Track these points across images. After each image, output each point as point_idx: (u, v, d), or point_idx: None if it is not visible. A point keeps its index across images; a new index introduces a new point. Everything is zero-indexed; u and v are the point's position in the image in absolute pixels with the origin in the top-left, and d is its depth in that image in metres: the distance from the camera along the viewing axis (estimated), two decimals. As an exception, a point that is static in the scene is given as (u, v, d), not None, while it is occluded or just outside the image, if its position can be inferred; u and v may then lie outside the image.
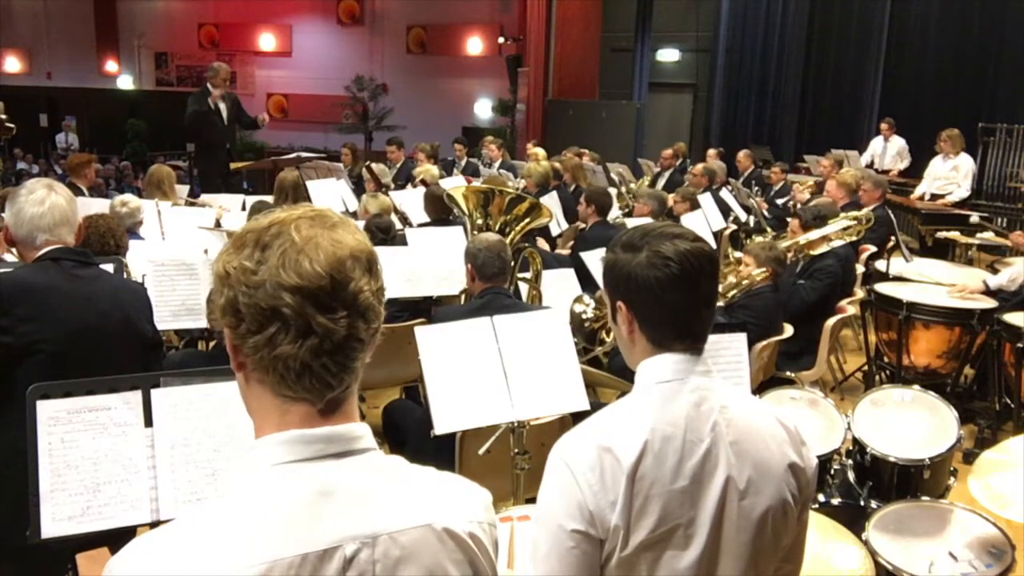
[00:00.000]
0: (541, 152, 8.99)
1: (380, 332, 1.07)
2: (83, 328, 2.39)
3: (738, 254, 4.78)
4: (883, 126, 10.53)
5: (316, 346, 0.99)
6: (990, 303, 4.67)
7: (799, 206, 6.52)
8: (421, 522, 1.05)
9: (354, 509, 1.01)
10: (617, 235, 1.53)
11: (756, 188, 9.40)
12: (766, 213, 7.81)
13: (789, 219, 5.87)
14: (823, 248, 4.97)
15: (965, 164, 8.53)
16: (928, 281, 5.17)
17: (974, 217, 7.06)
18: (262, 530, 0.96)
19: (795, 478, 1.45)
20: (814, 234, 4.99)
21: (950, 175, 8.54)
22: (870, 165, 10.09)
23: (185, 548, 0.95)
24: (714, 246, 6.00)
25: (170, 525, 1.00)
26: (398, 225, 5.07)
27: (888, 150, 10.36)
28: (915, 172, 9.57)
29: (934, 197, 8.54)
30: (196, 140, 8.44)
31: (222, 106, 8.03)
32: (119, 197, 5.06)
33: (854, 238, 5.23)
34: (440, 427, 2.55)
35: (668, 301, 1.42)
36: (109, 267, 3.08)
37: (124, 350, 2.51)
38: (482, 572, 1.11)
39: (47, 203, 2.40)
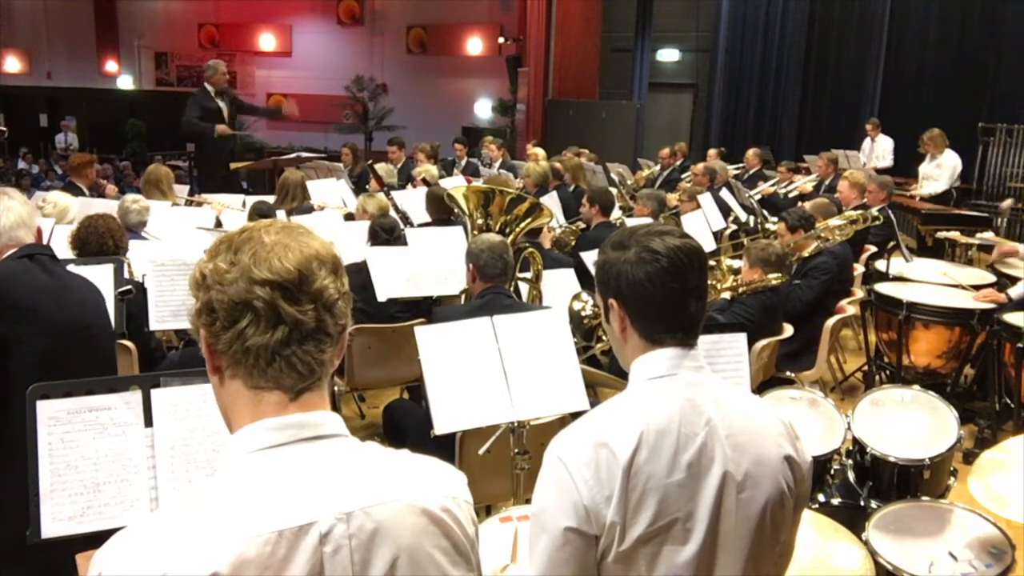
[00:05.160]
0: (541, 152, 8.97)
1: (348, 333, 1.13)
2: (66, 317, 2.45)
3: (730, 262, 4.76)
4: (868, 127, 10.53)
5: (286, 336, 1.06)
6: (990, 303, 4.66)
7: (800, 203, 6.47)
8: (394, 497, 1.08)
9: (328, 488, 1.05)
10: (607, 237, 1.56)
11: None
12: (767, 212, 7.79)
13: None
14: (813, 247, 4.96)
15: (948, 161, 8.61)
16: (946, 283, 5.15)
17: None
18: (238, 512, 1.00)
19: (791, 470, 1.47)
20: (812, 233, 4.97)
21: (934, 172, 8.66)
22: (864, 165, 10.09)
23: (164, 536, 0.98)
24: (714, 246, 6.05)
25: (151, 515, 1.05)
26: (399, 225, 5.07)
27: (875, 150, 10.38)
28: (910, 171, 9.54)
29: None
30: (196, 143, 8.42)
31: (222, 104, 7.92)
32: (130, 195, 5.11)
33: (843, 238, 5.21)
34: (440, 427, 2.56)
35: (658, 295, 1.44)
36: (109, 267, 3.11)
37: (103, 339, 2.63)
38: (460, 546, 1.13)
39: None
